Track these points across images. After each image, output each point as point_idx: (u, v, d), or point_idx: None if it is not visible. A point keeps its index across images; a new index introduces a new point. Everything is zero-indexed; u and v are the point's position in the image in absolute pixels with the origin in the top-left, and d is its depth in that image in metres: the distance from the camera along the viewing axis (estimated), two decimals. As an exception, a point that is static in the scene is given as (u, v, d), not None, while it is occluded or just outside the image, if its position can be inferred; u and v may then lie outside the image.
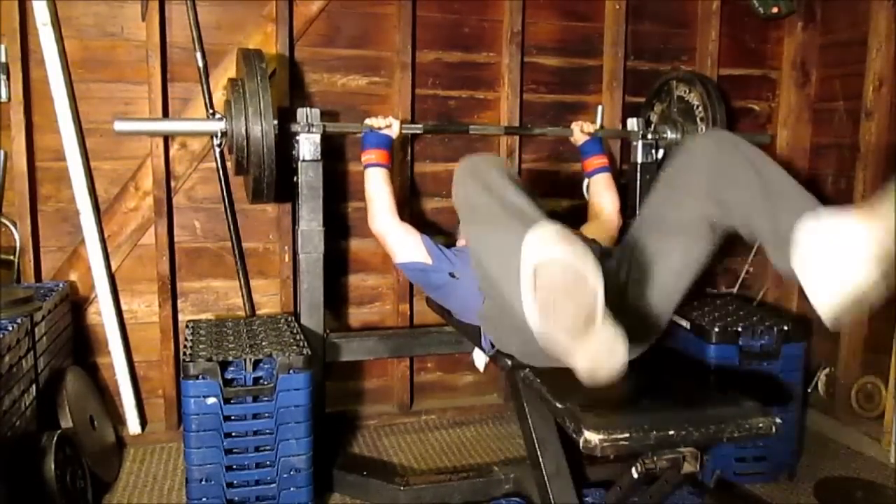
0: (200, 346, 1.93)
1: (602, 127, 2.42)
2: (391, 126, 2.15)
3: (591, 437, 1.27)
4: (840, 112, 2.66)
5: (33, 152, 2.23)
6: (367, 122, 2.15)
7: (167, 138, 2.31)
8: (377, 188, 2.06)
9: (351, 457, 2.34)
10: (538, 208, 1.38)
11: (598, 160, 2.33)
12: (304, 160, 2.11)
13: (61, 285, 2.18)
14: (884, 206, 1.17)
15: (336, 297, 2.53)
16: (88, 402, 2.15)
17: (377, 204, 2.05)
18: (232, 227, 2.37)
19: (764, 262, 2.92)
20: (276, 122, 1.99)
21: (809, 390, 2.63)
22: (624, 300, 1.53)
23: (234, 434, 1.82)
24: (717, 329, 2.13)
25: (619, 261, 1.62)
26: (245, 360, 1.84)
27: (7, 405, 1.68)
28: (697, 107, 2.42)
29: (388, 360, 2.62)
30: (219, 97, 2.29)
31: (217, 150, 2.27)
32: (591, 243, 1.61)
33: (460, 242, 2.03)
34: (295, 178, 2.15)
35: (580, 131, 2.36)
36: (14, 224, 2.22)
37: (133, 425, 2.36)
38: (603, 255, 1.55)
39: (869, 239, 1.16)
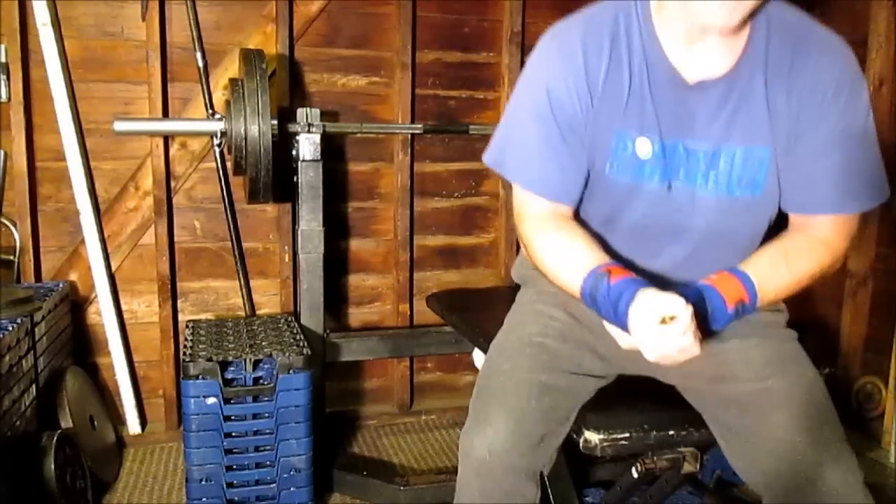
0: (200, 346, 1.93)
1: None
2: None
3: (592, 436, 1.27)
4: (840, 112, 2.66)
5: (33, 152, 2.22)
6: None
7: (167, 138, 2.31)
8: None
9: (351, 457, 2.34)
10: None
11: None
12: (304, 160, 2.11)
13: (61, 285, 2.18)
14: None
15: (336, 297, 2.53)
16: (88, 402, 2.14)
17: None
18: (232, 227, 2.37)
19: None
20: (273, 122, 1.99)
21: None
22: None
23: (234, 434, 1.82)
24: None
25: None
26: (245, 360, 1.84)
27: (7, 405, 1.68)
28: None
29: (388, 360, 2.61)
30: (219, 97, 2.29)
31: (217, 150, 2.27)
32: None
33: None
34: (295, 178, 2.15)
35: None
36: (14, 224, 2.22)
37: (133, 425, 2.36)
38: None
39: None
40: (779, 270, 1.13)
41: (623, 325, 1.08)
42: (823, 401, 1.17)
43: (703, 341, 1.09)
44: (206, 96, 2.25)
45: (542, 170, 1.20)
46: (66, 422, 1.93)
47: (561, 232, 1.20)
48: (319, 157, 2.12)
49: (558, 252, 1.19)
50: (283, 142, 2.11)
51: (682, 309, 1.01)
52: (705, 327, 1.08)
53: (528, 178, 1.22)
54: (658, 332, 1.02)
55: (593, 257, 1.15)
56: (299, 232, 2.14)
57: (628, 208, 1.21)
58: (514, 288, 1.53)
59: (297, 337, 2.01)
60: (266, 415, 1.84)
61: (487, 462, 1.16)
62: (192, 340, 1.99)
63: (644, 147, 1.15)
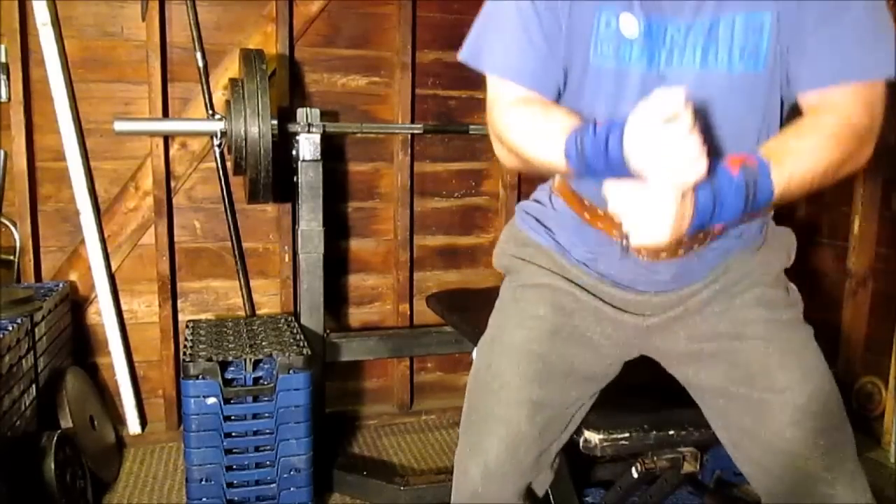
0: (200, 346, 1.93)
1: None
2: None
3: (591, 436, 1.27)
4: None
5: (33, 152, 2.23)
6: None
7: (167, 138, 2.31)
8: None
9: (351, 457, 2.34)
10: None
11: None
12: (304, 160, 2.11)
13: (61, 285, 2.18)
14: None
15: (336, 297, 2.53)
16: (88, 402, 2.14)
17: None
18: (232, 227, 2.37)
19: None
20: (274, 122, 1.99)
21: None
22: None
23: (234, 434, 1.82)
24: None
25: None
26: (245, 360, 1.84)
27: (7, 405, 1.68)
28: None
29: (388, 360, 2.61)
30: (219, 97, 2.29)
31: (217, 150, 2.27)
32: None
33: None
34: (295, 178, 2.15)
35: None
36: (14, 224, 2.22)
37: (133, 425, 2.36)
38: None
39: None
40: (787, 141, 0.99)
41: (617, 166, 0.92)
42: (839, 415, 1.15)
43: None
44: (206, 96, 2.25)
45: (519, 57, 1.12)
46: (66, 422, 1.93)
47: (535, 105, 1.08)
48: (319, 157, 2.12)
49: (534, 122, 1.06)
50: (283, 142, 2.11)
51: (681, 101, 0.86)
52: (714, 209, 0.93)
53: (503, 66, 1.14)
54: (661, 137, 0.86)
55: (574, 119, 1.02)
56: (299, 232, 2.14)
57: (618, 114, 1.03)
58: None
59: (297, 337, 2.01)
60: (266, 415, 1.84)
61: (480, 493, 1.17)
62: (192, 340, 1.99)
63: (629, 24, 1.04)
